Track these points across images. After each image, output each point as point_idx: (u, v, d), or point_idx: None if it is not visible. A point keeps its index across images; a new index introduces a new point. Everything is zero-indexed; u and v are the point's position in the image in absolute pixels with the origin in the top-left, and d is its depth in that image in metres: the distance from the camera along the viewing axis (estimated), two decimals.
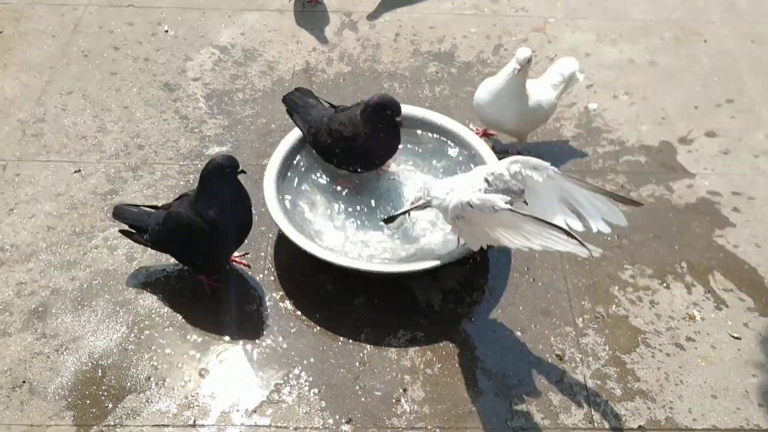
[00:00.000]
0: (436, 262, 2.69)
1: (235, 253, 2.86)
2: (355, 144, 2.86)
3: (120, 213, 2.80)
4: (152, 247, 2.75)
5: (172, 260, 2.84)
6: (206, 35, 3.91)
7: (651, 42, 3.99)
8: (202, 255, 2.69)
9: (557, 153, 3.38)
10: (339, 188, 3.01)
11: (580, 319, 2.78)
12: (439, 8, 4.15)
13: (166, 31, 3.92)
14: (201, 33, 3.92)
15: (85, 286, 2.82)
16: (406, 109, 3.05)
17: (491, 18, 4.10)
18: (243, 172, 2.62)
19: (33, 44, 3.81)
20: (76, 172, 3.21)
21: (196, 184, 2.64)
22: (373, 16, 4.06)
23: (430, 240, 2.89)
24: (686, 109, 3.62)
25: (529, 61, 2.99)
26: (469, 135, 3.10)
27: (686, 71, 3.83)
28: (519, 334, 2.73)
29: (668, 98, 3.67)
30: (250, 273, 2.86)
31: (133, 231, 2.76)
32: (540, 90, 3.17)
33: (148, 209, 2.79)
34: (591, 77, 3.76)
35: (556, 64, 3.35)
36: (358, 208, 2.97)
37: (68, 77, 3.64)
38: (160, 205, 2.81)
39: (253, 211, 2.77)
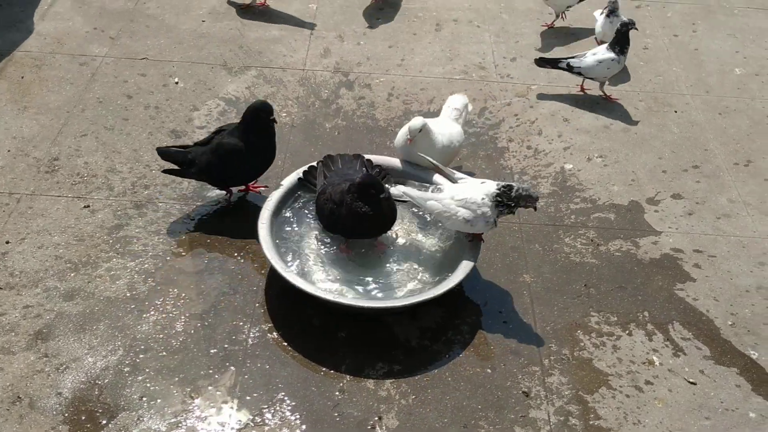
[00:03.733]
0: (411, 300, 2.92)
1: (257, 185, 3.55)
2: (341, 215, 3.08)
3: (165, 153, 3.40)
4: (196, 176, 3.39)
5: (170, 288, 3.07)
6: (213, 88, 4.21)
7: (625, 110, 4.29)
8: (237, 174, 3.39)
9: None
10: (342, 254, 3.22)
11: (547, 360, 2.99)
12: (430, 72, 4.48)
13: (177, 83, 4.22)
14: (209, 86, 4.23)
15: (87, 311, 3.03)
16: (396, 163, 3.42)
17: (478, 83, 4.42)
18: (274, 121, 3.30)
19: (52, 89, 4.11)
20: (85, 207, 3.46)
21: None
22: (368, 77, 4.38)
23: (410, 279, 3.13)
24: (655, 173, 3.90)
25: (420, 130, 3.35)
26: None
27: (657, 138, 4.12)
28: (489, 371, 2.93)
29: (639, 162, 3.95)
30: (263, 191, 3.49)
31: (177, 168, 3.38)
32: (447, 126, 3.53)
33: (182, 149, 3.40)
34: (568, 140, 4.05)
35: (449, 102, 3.73)
36: (346, 259, 3.21)
37: (83, 121, 3.92)
38: (192, 143, 3.47)
39: (257, 223, 3.09)
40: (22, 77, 4.17)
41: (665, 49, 4.81)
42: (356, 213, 3.02)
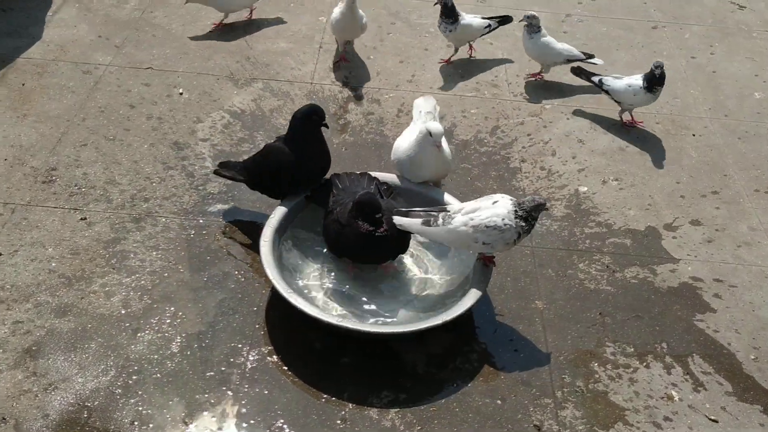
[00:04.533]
0: (419, 326, 2.78)
1: None
2: (344, 236, 2.95)
3: (224, 166, 3.38)
4: (247, 182, 3.31)
5: (166, 306, 2.94)
6: (218, 100, 4.10)
7: (641, 132, 4.17)
8: (285, 182, 3.15)
9: (546, 231, 3.50)
10: (349, 273, 3.09)
11: (560, 392, 2.84)
12: (441, 88, 4.36)
13: (181, 94, 4.11)
14: (214, 97, 4.12)
15: (79, 329, 2.89)
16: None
17: (491, 101, 4.31)
18: (326, 125, 3.13)
19: (53, 97, 4.00)
20: (81, 219, 3.33)
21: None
22: (378, 93, 4.26)
23: (416, 305, 2.99)
24: (673, 198, 3.76)
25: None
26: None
27: (674, 162, 3.99)
28: (499, 402, 2.78)
29: (656, 186, 3.82)
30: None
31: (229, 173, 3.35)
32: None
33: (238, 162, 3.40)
34: (582, 162, 3.92)
35: (418, 106, 3.54)
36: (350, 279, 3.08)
37: (84, 130, 3.81)
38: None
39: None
40: (23, 84, 4.07)
41: (682, 71, 4.69)
42: (357, 235, 2.88)
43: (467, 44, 4.58)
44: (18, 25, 4.49)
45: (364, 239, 2.88)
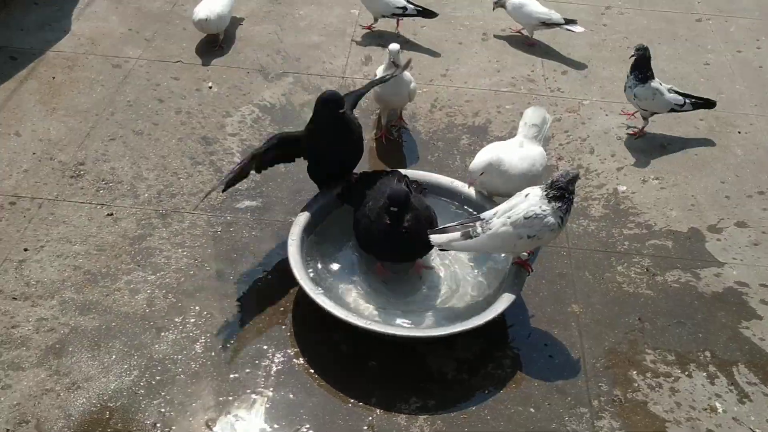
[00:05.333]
0: (450, 330, 2.67)
1: None
2: (370, 231, 2.86)
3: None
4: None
5: (191, 305, 2.88)
6: (248, 93, 4.03)
7: (684, 129, 4.00)
8: (312, 166, 3.11)
9: (583, 232, 3.37)
10: (378, 275, 2.99)
11: (597, 401, 2.72)
12: (476, 83, 4.24)
13: (210, 88, 4.05)
14: (244, 91, 4.05)
15: (103, 327, 2.85)
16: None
17: (527, 96, 4.17)
18: (343, 113, 2.97)
19: (82, 91, 3.97)
20: (108, 215, 3.29)
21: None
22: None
23: (446, 309, 2.89)
24: (717, 198, 3.60)
25: (482, 173, 3.02)
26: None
27: (719, 160, 3.82)
28: (532, 410, 2.67)
29: (699, 186, 3.66)
30: None
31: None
32: (523, 150, 3.15)
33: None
34: (622, 160, 3.78)
35: (525, 117, 3.27)
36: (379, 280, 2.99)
37: (112, 124, 3.77)
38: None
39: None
40: (53, 78, 4.04)
41: (728, 66, 4.50)
42: (381, 230, 2.79)
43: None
44: (49, 18, 4.47)
45: (387, 234, 2.78)
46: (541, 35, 4.60)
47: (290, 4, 4.77)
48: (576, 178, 2.74)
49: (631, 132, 3.93)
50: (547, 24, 4.40)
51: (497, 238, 2.72)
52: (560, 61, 4.45)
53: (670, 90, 3.81)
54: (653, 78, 3.78)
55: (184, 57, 4.26)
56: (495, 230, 2.72)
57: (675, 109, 3.82)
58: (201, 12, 4.18)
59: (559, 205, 2.70)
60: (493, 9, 4.55)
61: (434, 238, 2.77)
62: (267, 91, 4.07)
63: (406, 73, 3.62)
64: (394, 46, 3.49)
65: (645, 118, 3.90)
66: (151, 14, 4.60)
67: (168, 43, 4.37)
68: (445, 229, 2.81)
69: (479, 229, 2.74)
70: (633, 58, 3.77)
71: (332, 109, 2.97)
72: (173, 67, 4.19)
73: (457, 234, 2.75)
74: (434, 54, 4.45)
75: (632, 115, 4.01)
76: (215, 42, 4.35)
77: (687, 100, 3.83)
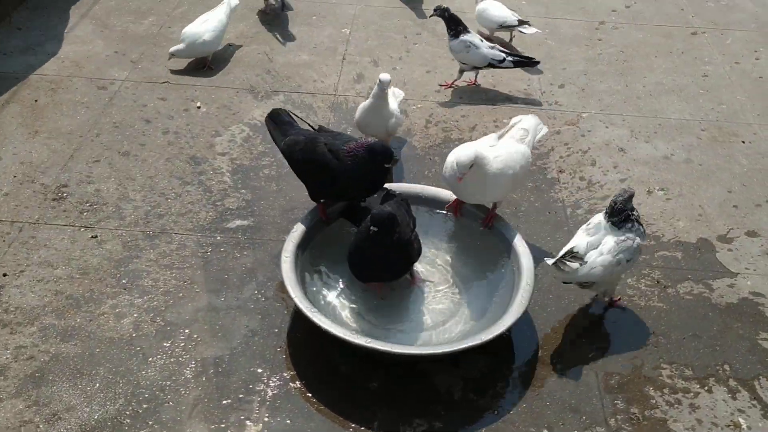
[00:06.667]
0: (454, 347, 2.51)
1: None
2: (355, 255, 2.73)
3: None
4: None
5: (180, 329, 2.71)
6: (238, 113, 3.91)
7: (686, 140, 3.90)
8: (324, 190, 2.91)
9: None
10: (376, 293, 2.86)
11: (613, 419, 2.55)
12: (471, 98, 4.14)
13: (199, 107, 3.93)
14: (233, 110, 3.93)
15: (86, 353, 2.68)
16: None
17: (524, 110, 4.05)
18: (395, 162, 2.85)
19: (66, 113, 3.84)
20: (92, 237, 3.14)
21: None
22: (405, 103, 4.05)
23: (449, 325, 2.74)
24: (725, 208, 3.48)
25: (471, 166, 2.78)
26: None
27: (724, 170, 3.71)
28: (546, 431, 2.50)
29: (705, 196, 3.54)
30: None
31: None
32: (506, 147, 2.98)
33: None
34: (625, 171, 3.66)
35: (521, 123, 3.11)
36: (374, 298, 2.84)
37: (97, 146, 3.63)
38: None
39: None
40: (36, 101, 3.92)
41: (727, 77, 4.42)
42: (356, 253, 2.68)
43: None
44: (33, 42, 4.36)
45: (361, 256, 2.68)
46: (539, 49, 4.52)
47: (280, 25, 4.68)
48: (630, 196, 2.79)
49: (442, 84, 4.19)
50: (504, 26, 4.50)
51: (603, 270, 2.70)
52: (556, 76, 4.36)
53: (490, 47, 4.04)
54: (465, 33, 4.01)
55: (171, 78, 4.15)
56: (601, 264, 2.69)
57: (493, 63, 4.05)
58: (205, 34, 4.17)
59: (629, 225, 2.76)
60: (429, 16, 4.39)
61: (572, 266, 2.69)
62: (257, 110, 3.95)
63: (392, 105, 3.46)
64: (385, 77, 3.33)
65: (461, 71, 4.12)
66: (138, 37, 4.50)
67: (155, 64, 4.26)
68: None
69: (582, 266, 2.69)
70: (432, 16, 4.13)
71: (380, 162, 2.80)
72: (160, 87, 4.07)
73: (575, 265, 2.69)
74: (428, 70, 4.36)
75: (451, 84, 4.20)
76: (203, 63, 4.24)
77: (508, 57, 4.05)
